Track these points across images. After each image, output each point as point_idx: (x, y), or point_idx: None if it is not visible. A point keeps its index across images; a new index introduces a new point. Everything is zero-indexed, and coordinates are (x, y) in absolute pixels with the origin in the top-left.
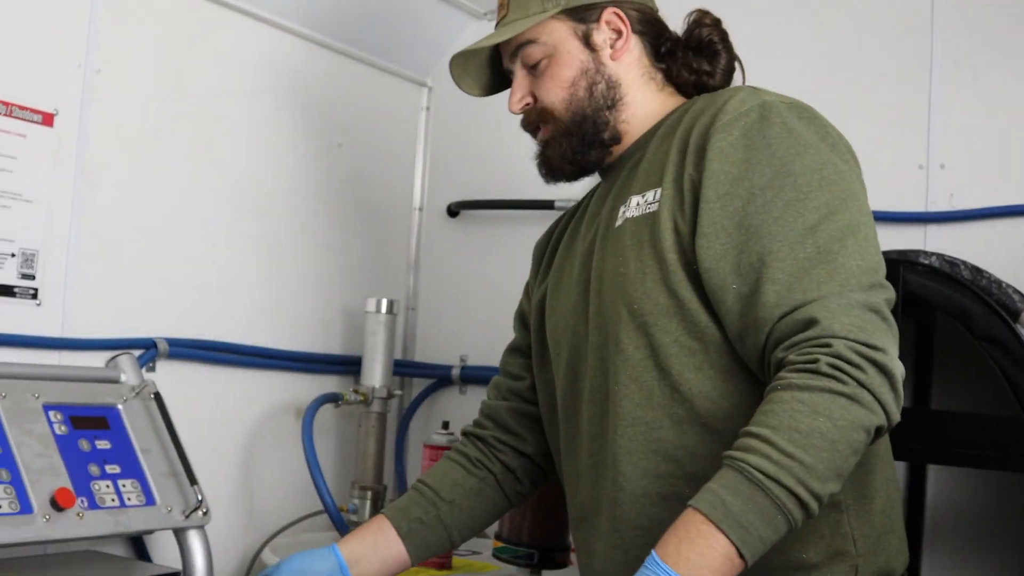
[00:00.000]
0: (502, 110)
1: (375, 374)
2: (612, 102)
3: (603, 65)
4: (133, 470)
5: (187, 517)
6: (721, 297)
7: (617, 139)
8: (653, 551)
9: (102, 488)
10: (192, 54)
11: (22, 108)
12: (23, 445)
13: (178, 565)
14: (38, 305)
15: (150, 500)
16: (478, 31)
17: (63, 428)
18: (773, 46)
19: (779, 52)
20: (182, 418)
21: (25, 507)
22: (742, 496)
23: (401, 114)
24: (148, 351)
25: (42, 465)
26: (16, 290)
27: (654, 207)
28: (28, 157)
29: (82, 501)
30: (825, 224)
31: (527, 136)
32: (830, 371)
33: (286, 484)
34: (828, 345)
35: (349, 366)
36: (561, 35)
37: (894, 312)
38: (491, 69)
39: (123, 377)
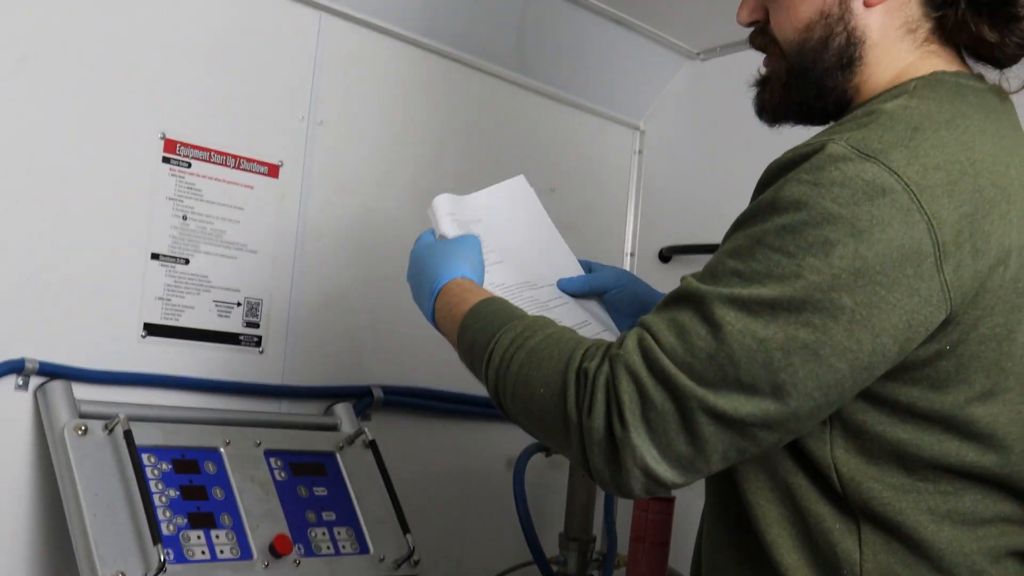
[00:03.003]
0: (714, 152)
1: None
2: (848, 61)
3: (850, 13)
4: (348, 517)
5: (398, 567)
6: None
7: (844, 106)
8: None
9: (318, 535)
10: (412, 103)
11: (249, 160)
12: (245, 491)
13: None
14: (261, 353)
15: (364, 548)
16: (692, 71)
17: (283, 474)
18: None
19: None
20: (395, 466)
21: (245, 553)
22: (478, 337)
23: (613, 158)
24: (364, 399)
25: (262, 511)
26: (241, 338)
27: None
28: (254, 208)
29: (299, 548)
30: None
31: (739, 178)
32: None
33: (495, 534)
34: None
35: None
36: None
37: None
38: None
39: (340, 425)
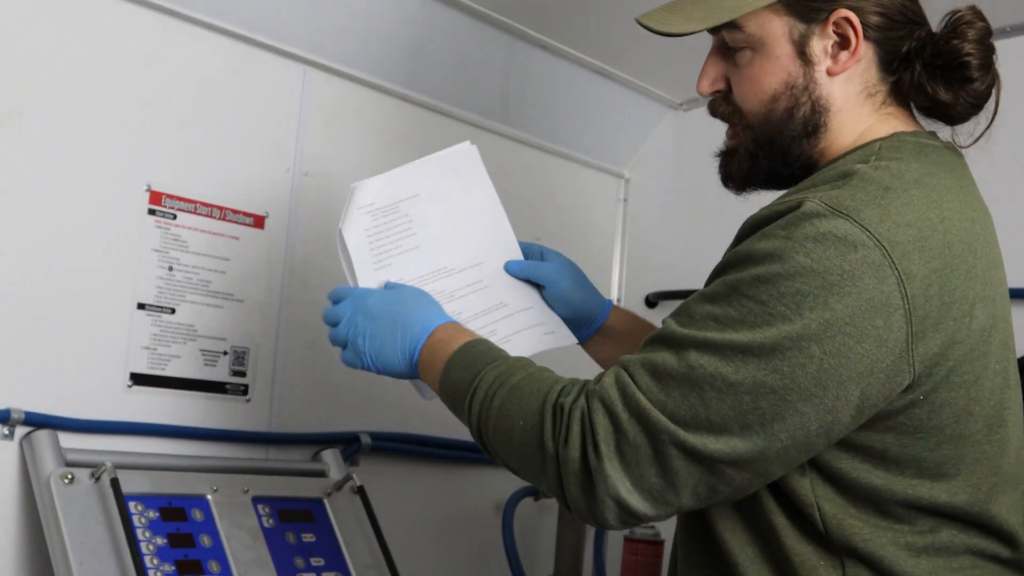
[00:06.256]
0: (697, 199)
1: None
2: (813, 129)
3: (814, 83)
4: (337, 563)
5: None
6: None
7: (809, 170)
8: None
9: None
10: (396, 154)
11: (235, 212)
12: (233, 538)
13: None
14: (248, 401)
15: None
16: (675, 121)
17: (271, 521)
18: None
19: None
20: (384, 511)
21: None
22: (462, 375)
23: (598, 206)
24: (352, 445)
25: (250, 558)
26: (227, 386)
27: None
28: (240, 258)
29: None
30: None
31: (724, 224)
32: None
33: None
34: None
35: None
36: (773, 31)
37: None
38: None
39: (328, 471)
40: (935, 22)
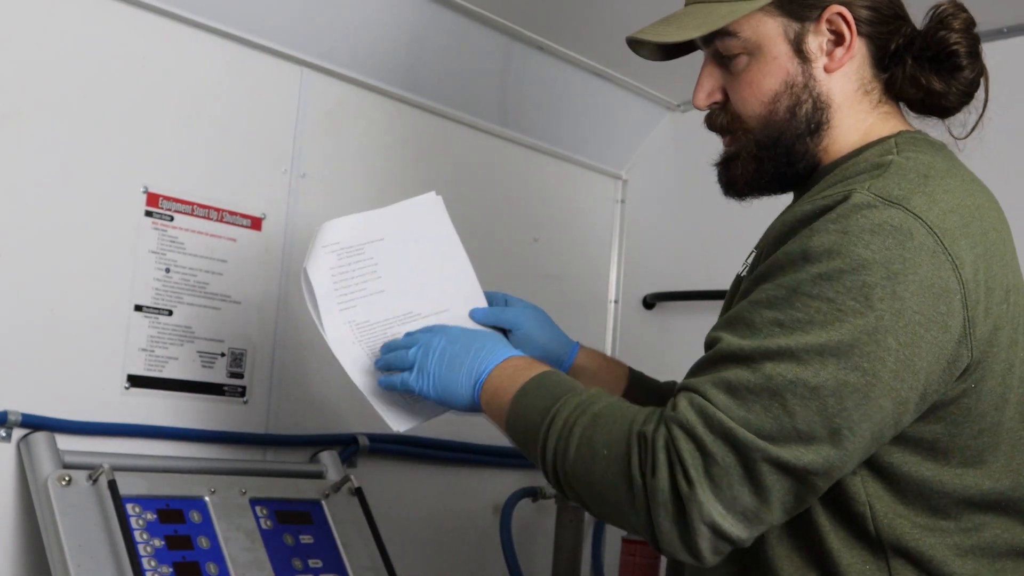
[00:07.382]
0: (695, 201)
1: None
2: (816, 127)
3: (813, 80)
4: (335, 565)
5: None
6: None
7: (813, 169)
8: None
9: None
10: (394, 156)
11: (232, 213)
12: (231, 540)
13: None
14: (245, 403)
15: None
16: (672, 122)
17: (269, 523)
18: None
19: None
20: (382, 513)
21: None
22: (537, 403)
23: (596, 207)
24: (349, 447)
25: (248, 559)
26: (225, 388)
27: (744, 272)
28: (237, 260)
29: None
30: (770, 339)
31: (722, 226)
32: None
33: None
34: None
35: None
36: (768, 33)
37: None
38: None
39: (326, 473)
40: (917, 22)
